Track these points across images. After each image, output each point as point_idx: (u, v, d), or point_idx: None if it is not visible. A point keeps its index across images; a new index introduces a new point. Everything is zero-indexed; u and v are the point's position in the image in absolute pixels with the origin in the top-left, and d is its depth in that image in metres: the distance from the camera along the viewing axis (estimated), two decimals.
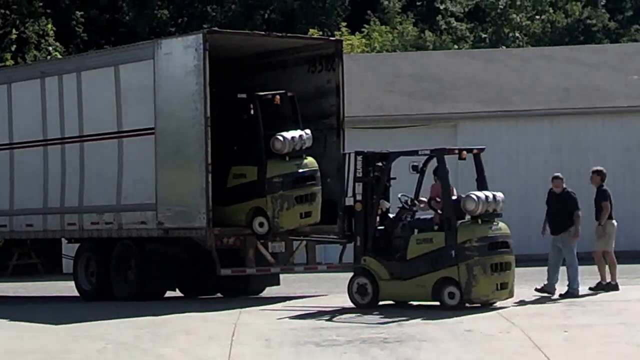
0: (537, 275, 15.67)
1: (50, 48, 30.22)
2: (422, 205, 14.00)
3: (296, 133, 15.59)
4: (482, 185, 13.92)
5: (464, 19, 41.18)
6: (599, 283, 14.95)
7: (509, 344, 11.01)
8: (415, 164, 14.10)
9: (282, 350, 10.88)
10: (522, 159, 24.05)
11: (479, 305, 13.29)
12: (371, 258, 13.84)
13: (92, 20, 33.74)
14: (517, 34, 40.04)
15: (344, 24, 37.96)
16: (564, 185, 15.12)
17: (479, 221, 13.35)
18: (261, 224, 15.40)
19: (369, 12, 39.73)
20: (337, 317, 13.22)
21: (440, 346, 10.89)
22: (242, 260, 15.60)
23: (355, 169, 14.10)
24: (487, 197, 13.43)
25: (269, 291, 16.80)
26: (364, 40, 37.67)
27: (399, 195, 14.01)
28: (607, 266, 14.89)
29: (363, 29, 38.85)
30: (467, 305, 13.17)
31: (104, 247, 16.55)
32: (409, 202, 13.97)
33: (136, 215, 15.97)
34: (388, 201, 14.18)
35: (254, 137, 15.63)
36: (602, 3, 41.98)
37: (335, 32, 35.56)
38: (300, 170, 15.55)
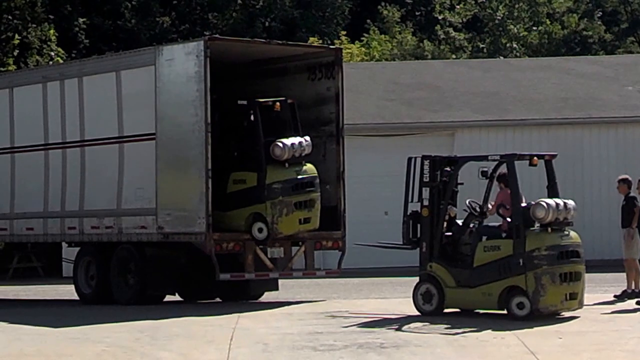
0: None
1: (53, 53, 30.31)
2: (490, 212, 13.68)
3: (296, 140, 15.71)
4: (553, 192, 13.65)
5: (462, 29, 41.38)
6: (624, 291, 15.00)
7: (504, 349, 11.10)
8: (484, 169, 13.81)
9: (280, 355, 10.97)
10: (518, 168, 24.12)
11: (547, 315, 12.95)
12: (437, 264, 13.56)
13: (95, 27, 33.86)
14: (514, 45, 40.23)
15: (344, 32, 38.12)
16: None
17: (549, 229, 12.98)
18: (260, 230, 15.52)
19: (368, 21, 39.92)
20: (335, 322, 13.31)
21: (436, 351, 10.99)
22: (241, 265, 15.69)
23: (422, 173, 13.78)
24: (557, 204, 13.05)
25: (267, 296, 16.88)
26: (363, 49, 37.86)
27: (467, 201, 13.71)
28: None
29: (362, 38, 39.04)
30: (535, 315, 12.85)
31: (104, 251, 16.65)
32: (477, 209, 13.68)
33: (136, 219, 16.07)
34: (455, 207, 13.91)
35: (254, 143, 15.75)
36: (598, 15, 42.19)
37: (335, 41, 35.72)
38: (300, 177, 15.67)
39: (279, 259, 15.99)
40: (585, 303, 13.55)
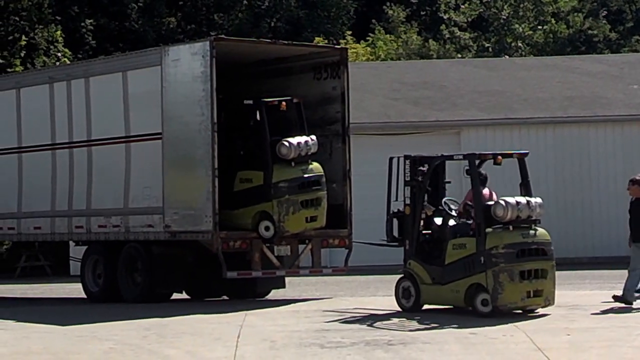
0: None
1: (59, 54, 30.39)
2: (459, 210, 13.73)
3: (302, 139, 15.75)
4: (526, 190, 13.67)
5: (468, 28, 41.42)
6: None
7: (512, 346, 11.11)
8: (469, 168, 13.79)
9: (287, 352, 10.98)
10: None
11: (509, 312, 12.98)
12: (415, 262, 13.75)
13: (101, 28, 33.95)
14: (519, 44, 40.26)
15: (349, 32, 38.19)
16: None
17: (510, 227, 13.04)
18: (267, 228, 15.56)
19: (373, 21, 39.97)
20: (342, 320, 13.35)
21: (444, 348, 10.99)
22: (248, 263, 15.73)
23: (404, 172, 13.96)
24: (518, 203, 13.14)
25: (274, 294, 16.92)
26: (368, 49, 37.91)
27: (444, 200, 13.83)
28: None
29: (368, 38, 39.09)
30: (496, 312, 12.93)
31: (111, 249, 16.70)
32: (452, 207, 13.76)
33: (143, 218, 16.12)
34: (435, 205, 13.98)
35: (260, 142, 15.79)
36: (603, 14, 42.20)
37: (341, 41, 35.80)
38: (306, 175, 15.70)
39: (285, 257, 16.04)
40: (599, 300, 13.63)
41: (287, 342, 11.53)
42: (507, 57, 36.88)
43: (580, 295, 15.63)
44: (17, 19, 30.85)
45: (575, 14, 41.71)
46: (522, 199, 13.29)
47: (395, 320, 13.04)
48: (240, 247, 15.64)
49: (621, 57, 32.71)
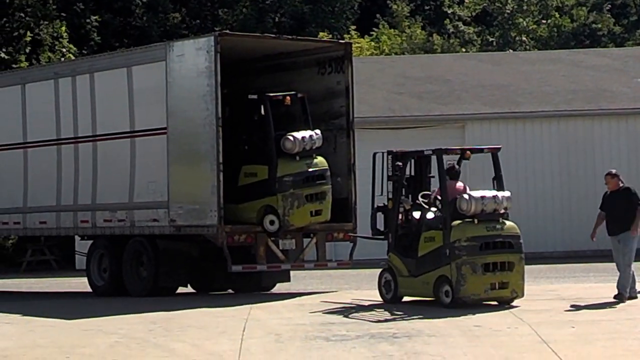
0: (549, 273, 15.74)
1: (64, 50, 30.43)
2: (430, 202, 13.98)
3: (306, 133, 15.77)
4: (499, 184, 13.87)
5: (472, 22, 41.37)
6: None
7: (517, 339, 11.13)
8: (450, 163, 14.00)
9: (292, 345, 11.02)
10: (529, 160, 24.23)
11: (470, 304, 13.20)
12: (394, 255, 14.04)
13: (106, 24, 33.98)
14: (523, 38, 40.20)
15: (353, 27, 38.18)
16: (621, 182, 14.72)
17: (475, 221, 13.28)
18: (272, 222, 15.59)
19: (377, 15, 39.96)
20: (347, 313, 13.39)
21: (449, 341, 11.02)
22: (253, 257, 15.76)
23: (387, 168, 14.19)
24: (483, 197, 13.33)
25: (279, 287, 16.95)
26: (372, 43, 37.91)
27: (420, 194, 14.04)
28: None
29: (372, 32, 39.08)
30: (458, 303, 13.18)
31: (116, 244, 16.74)
32: (426, 201, 13.95)
33: (148, 213, 16.16)
34: (413, 199, 14.18)
35: (265, 136, 15.81)
36: (607, 8, 42.12)
37: (345, 35, 35.80)
38: (311, 170, 15.73)
39: (290, 250, 16.07)
40: (604, 293, 13.69)
41: (292, 336, 11.57)
42: (511, 51, 36.85)
43: (585, 288, 15.65)
44: (22, 15, 30.90)
45: (579, 7, 41.64)
46: (488, 193, 13.46)
47: (400, 313, 13.05)
48: (245, 241, 15.67)
49: (625, 50, 32.67)
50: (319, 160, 15.89)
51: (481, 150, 14.10)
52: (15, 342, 11.67)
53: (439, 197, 13.74)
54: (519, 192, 24.04)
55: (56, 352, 10.98)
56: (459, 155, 14.11)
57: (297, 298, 15.33)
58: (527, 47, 39.46)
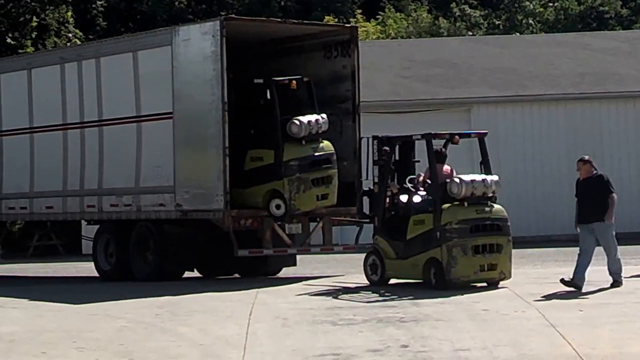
0: (556, 256, 15.72)
1: (70, 35, 30.37)
2: (419, 186, 14.18)
3: (312, 117, 15.73)
4: (486, 168, 14.10)
5: (478, 6, 41.18)
6: None
7: (525, 322, 11.12)
8: (436, 148, 14.17)
9: (299, 329, 11.02)
10: (536, 143, 24.15)
11: (461, 286, 13.38)
12: (381, 238, 14.26)
13: (112, 8, 33.90)
14: (530, 21, 40.03)
15: (359, 11, 38.05)
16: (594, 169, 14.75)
17: (465, 204, 13.49)
18: (278, 206, 15.58)
19: None
20: (354, 297, 13.39)
21: (457, 325, 11.01)
22: (259, 241, 15.76)
23: (373, 152, 14.39)
24: (473, 180, 13.55)
25: (285, 272, 16.96)
26: (379, 27, 37.79)
27: (408, 178, 14.25)
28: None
29: (378, 16, 38.93)
30: (449, 285, 13.37)
31: (123, 228, 16.75)
32: (414, 185, 14.21)
33: (155, 197, 16.16)
34: (399, 183, 14.44)
35: (271, 121, 15.77)
36: None
37: (351, 19, 35.68)
38: (317, 154, 15.70)
39: (296, 234, 16.06)
40: (609, 277, 13.58)
41: (299, 320, 11.56)
42: (517, 34, 36.69)
43: (593, 271, 15.58)
44: (28, 0, 30.82)
45: None
46: (478, 177, 13.68)
47: (407, 297, 13.02)
48: (251, 226, 15.67)
49: (633, 33, 32.51)
50: (325, 144, 15.86)
51: (469, 135, 14.30)
52: (22, 327, 11.70)
53: (429, 181, 13.90)
54: (526, 175, 24.02)
55: (63, 337, 10.99)
56: (447, 140, 14.25)
57: (304, 282, 15.32)
58: (534, 30, 39.29)
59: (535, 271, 13.84)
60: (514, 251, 15.40)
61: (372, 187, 14.59)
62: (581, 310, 11.72)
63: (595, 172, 13.66)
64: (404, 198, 14.23)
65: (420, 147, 14.61)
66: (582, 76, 25.47)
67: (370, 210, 14.58)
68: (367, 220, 14.76)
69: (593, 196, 13.44)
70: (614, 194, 13.33)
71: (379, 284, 14.13)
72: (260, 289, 14.25)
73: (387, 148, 14.35)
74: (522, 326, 10.93)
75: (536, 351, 9.74)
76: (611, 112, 24.35)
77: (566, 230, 23.62)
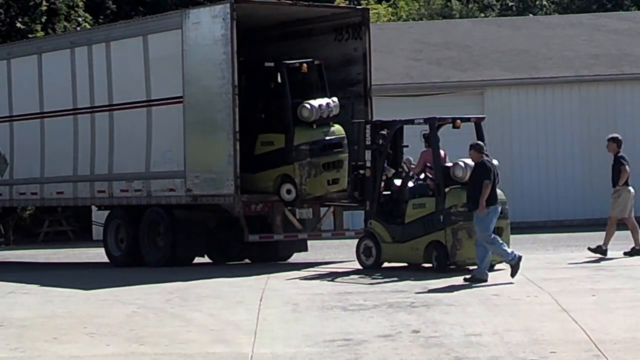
0: (569, 241, 15.67)
1: (80, 19, 30.31)
2: (414, 171, 14.20)
3: (323, 101, 15.64)
4: None
5: None
6: (633, 248, 14.97)
7: (537, 307, 11.05)
8: (426, 132, 14.27)
9: (310, 315, 10.99)
10: (549, 126, 23.98)
11: (466, 267, 13.49)
12: (376, 222, 14.27)
13: None
14: (544, 2, 39.73)
15: None
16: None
17: None
18: (289, 191, 15.52)
19: None
20: (363, 281, 13.33)
21: (468, 310, 10.95)
22: (269, 226, 15.73)
23: (365, 137, 14.43)
24: None
25: (296, 257, 16.93)
26: (390, 9, 37.58)
27: (403, 161, 14.32)
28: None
29: None
30: (452, 267, 13.55)
31: (133, 214, 16.72)
32: (408, 169, 14.26)
33: (165, 182, 16.13)
34: (394, 168, 14.46)
35: (282, 105, 15.69)
36: None
37: (362, 1, 35.47)
38: (328, 138, 15.62)
39: (307, 220, 16.01)
40: (629, 261, 13.57)
41: (309, 305, 11.53)
42: (531, 15, 36.41)
43: (606, 257, 15.50)
44: None
45: None
46: None
47: (418, 281, 12.95)
48: (261, 211, 15.63)
49: None
50: (336, 128, 15.77)
51: (468, 120, 14.33)
52: (33, 312, 11.71)
53: (429, 165, 13.94)
54: (539, 158, 23.87)
55: (74, 322, 11.00)
56: (450, 124, 14.25)
57: (315, 267, 15.28)
58: (548, 11, 38.99)
59: (547, 256, 13.76)
60: (526, 236, 15.36)
61: (362, 172, 14.45)
62: (594, 296, 11.63)
63: (483, 157, 13.18)
64: (397, 182, 14.30)
65: (409, 132, 14.67)
66: (597, 58, 25.25)
67: (360, 194, 14.51)
68: (357, 204, 14.77)
69: (472, 183, 13.20)
70: (486, 181, 12.94)
71: (372, 267, 14.16)
72: (271, 275, 14.22)
73: (384, 132, 14.33)
74: (534, 311, 10.87)
75: (548, 336, 9.68)
76: (626, 94, 24.13)
77: (578, 214, 23.55)
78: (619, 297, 11.53)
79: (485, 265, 12.93)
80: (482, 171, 12.99)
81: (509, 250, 12.99)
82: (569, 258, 15.24)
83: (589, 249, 15.01)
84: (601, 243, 15.00)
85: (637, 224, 15.05)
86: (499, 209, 13.11)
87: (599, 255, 14.78)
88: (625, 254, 14.98)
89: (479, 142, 13.44)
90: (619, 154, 15.06)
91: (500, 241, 13.03)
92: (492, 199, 12.96)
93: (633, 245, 15.03)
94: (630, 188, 15.04)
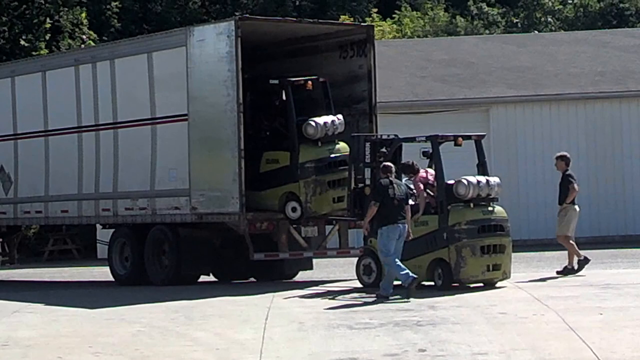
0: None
1: (84, 37, 30.41)
2: (418, 192, 14.14)
3: (328, 118, 15.62)
4: (483, 170, 14.22)
5: (496, 4, 40.96)
6: (565, 267, 15.06)
7: (543, 326, 10.98)
8: (425, 150, 14.34)
9: (315, 334, 10.94)
10: (555, 143, 23.91)
11: (469, 285, 13.61)
12: (376, 239, 14.04)
13: (126, 10, 33.93)
14: (549, 19, 39.77)
15: (375, 10, 37.90)
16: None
17: (471, 205, 13.68)
18: (294, 209, 15.47)
19: None
20: (369, 299, 13.25)
21: (474, 329, 10.89)
22: (275, 244, 15.68)
23: (364, 154, 14.44)
24: (479, 182, 13.76)
25: (301, 275, 16.88)
26: (395, 26, 37.63)
27: (404, 180, 14.26)
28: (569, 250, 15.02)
29: (394, 15, 38.77)
30: (455, 285, 13.55)
31: (138, 232, 16.69)
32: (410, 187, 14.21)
33: (170, 200, 16.09)
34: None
35: (286, 122, 15.68)
36: None
37: (367, 19, 35.54)
38: (333, 155, 15.60)
39: (312, 238, 15.97)
40: (636, 279, 13.58)
41: (315, 324, 11.47)
42: (536, 32, 36.42)
43: (613, 274, 15.45)
44: (42, 1, 30.89)
45: None
46: (482, 178, 13.88)
47: (423, 300, 12.88)
48: (267, 229, 15.59)
49: None
50: (341, 146, 15.75)
51: (469, 137, 14.41)
52: (38, 332, 11.68)
53: (431, 182, 13.97)
54: (545, 176, 23.78)
55: (79, 342, 10.97)
56: (452, 142, 14.29)
57: (320, 286, 15.24)
58: (553, 28, 39.02)
59: (553, 274, 13.68)
60: (532, 254, 15.29)
61: (357, 186, 14.43)
62: (601, 314, 11.55)
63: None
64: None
65: (408, 149, 14.68)
66: (602, 75, 25.22)
67: (361, 209, 14.43)
68: (356, 219, 14.76)
69: None
70: (372, 202, 13.35)
71: (373, 285, 14.05)
72: (276, 293, 14.16)
73: (384, 150, 14.34)
74: (541, 330, 10.79)
75: (555, 355, 9.62)
76: (632, 111, 24.08)
77: (585, 232, 23.45)
78: (626, 316, 11.45)
79: (390, 282, 13.08)
80: (372, 191, 13.35)
81: (404, 272, 13.11)
82: (575, 275, 15.14)
83: (557, 272, 15.01)
84: (567, 264, 15.03)
85: (575, 245, 15.08)
86: (400, 227, 13.19)
87: (581, 274, 14.74)
88: (558, 272, 14.99)
89: (388, 163, 13.63)
90: (567, 172, 15.18)
91: (398, 262, 13.16)
92: (387, 219, 13.14)
93: (566, 264, 15.08)
94: (576, 207, 15.10)
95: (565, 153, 15.56)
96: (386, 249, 13.15)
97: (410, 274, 13.11)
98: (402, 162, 14.32)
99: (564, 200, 14.99)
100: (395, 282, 13.50)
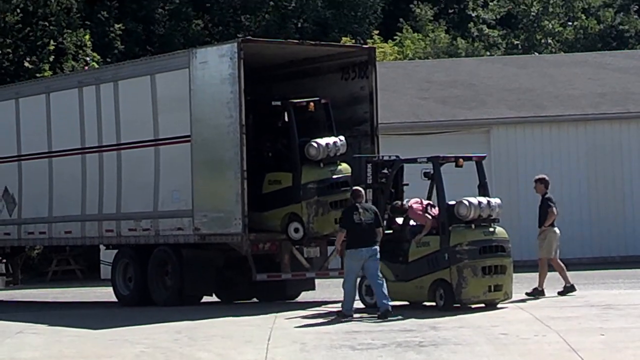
0: (577, 280, 15.64)
1: (88, 59, 30.55)
2: (419, 213, 14.24)
3: (330, 140, 15.70)
4: (483, 191, 14.31)
5: (496, 26, 41.12)
6: (534, 289, 15.12)
7: (545, 347, 11.01)
8: (427, 171, 14.42)
9: (318, 354, 10.96)
10: (555, 165, 24.00)
11: (471, 305, 13.68)
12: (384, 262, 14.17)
13: (129, 32, 34.10)
14: (549, 41, 39.91)
15: (377, 32, 38.02)
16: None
17: (473, 226, 13.75)
18: (296, 230, 15.53)
19: (401, 20, 39.80)
20: (371, 320, 13.28)
21: (476, 349, 10.91)
22: (277, 265, 15.73)
23: (366, 175, 14.56)
24: (480, 202, 13.85)
25: (304, 296, 16.91)
26: (396, 48, 37.75)
27: (405, 202, 14.37)
28: (551, 272, 15.23)
29: (395, 37, 38.92)
30: (458, 305, 13.61)
31: (141, 253, 16.74)
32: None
33: (173, 221, 16.15)
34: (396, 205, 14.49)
35: (289, 143, 15.76)
36: (634, 9, 41.72)
37: (368, 40, 35.67)
38: (335, 177, 15.66)
39: (315, 258, 16.01)
40: (637, 299, 13.65)
41: (317, 344, 11.50)
42: (536, 54, 36.57)
43: (614, 295, 15.46)
44: (46, 23, 31.06)
45: (606, 9, 41.26)
46: (483, 199, 13.98)
47: (425, 320, 12.91)
48: (269, 249, 15.63)
49: None
50: (343, 167, 15.82)
51: (470, 158, 14.52)
52: (41, 352, 11.70)
53: (432, 204, 14.09)
54: None
55: None
56: (453, 163, 14.44)
57: (322, 306, 15.26)
58: (553, 49, 39.15)
59: (554, 295, 13.73)
60: (533, 274, 15.31)
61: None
62: (603, 335, 11.57)
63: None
64: (399, 220, 14.37)
65: (408, 170, 14.77)
66: (602, 96, 25.32)
67: None
68: None
69: None
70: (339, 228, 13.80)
71: (375, 306, 14.02)
72: (279, 314, 14.19)
73: (386, 171, 14.43)
74: (542, 351, 10.82)
75: None
76: (632, 132, 24.16)
77: (586, 253, 23.49)
78: (627, 337, 11.48)
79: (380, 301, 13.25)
80: (340, 217, 13.62)
81: (384, 299, 13.29)
82: (577, 296, 15.18)
83: (526, 293, 15.07)
84: (537, 285, 15.08)
85: (562, 263, 15.16)
86: (363, 251, 13.36)
87: (571, 294, 14.81)
88: (527, 294, 15.02)
89: (357, 188, 13.89)
90: (547, 195, 15.26)
91: (384, 288, 13.33)
92: (350, 244, 13.40)
93: (563, 284, 15.10)
94: (556, 229, 15.22)
95: (544, 176, 15.59)
96: (347, 271, 13.53)
97: (388, 303, 13.29)
98: (392, 204, 14.45)
99: (543, 223, 15.07)
100: (392, 302, 13.56)
